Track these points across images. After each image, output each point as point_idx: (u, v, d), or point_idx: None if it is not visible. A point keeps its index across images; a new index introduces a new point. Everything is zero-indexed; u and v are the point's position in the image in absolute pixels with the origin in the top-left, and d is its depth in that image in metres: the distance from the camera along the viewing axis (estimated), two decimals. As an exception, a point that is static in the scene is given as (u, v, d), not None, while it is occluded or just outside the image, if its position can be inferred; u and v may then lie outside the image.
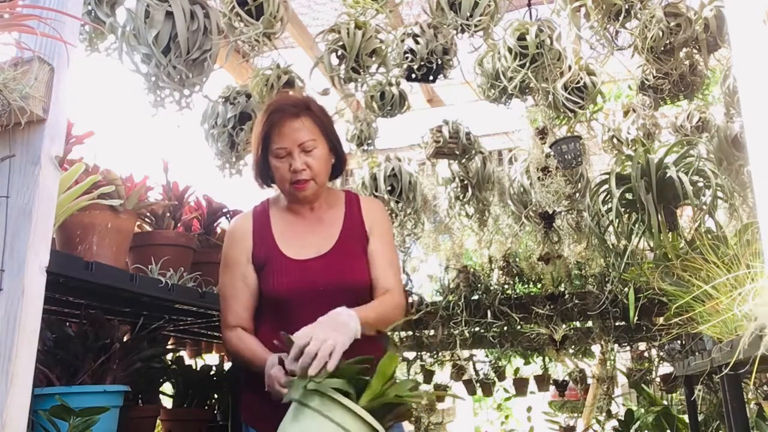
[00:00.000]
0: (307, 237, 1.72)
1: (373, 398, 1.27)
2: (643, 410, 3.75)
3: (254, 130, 1.75)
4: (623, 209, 2.43)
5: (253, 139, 1.75)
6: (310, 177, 1.67)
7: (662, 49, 2.62)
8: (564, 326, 3.66)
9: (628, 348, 4.01)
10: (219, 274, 1.74)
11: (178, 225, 2.28)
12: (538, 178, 3.37)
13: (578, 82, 2.83)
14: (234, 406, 2.14)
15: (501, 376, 4.68)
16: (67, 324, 1.94)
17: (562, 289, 3.70)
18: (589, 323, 3.80)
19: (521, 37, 2.61)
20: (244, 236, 1.72)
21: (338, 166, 1.79)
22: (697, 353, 2.30)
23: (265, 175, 1.76)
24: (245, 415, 1.69)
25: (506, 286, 3.92)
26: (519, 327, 3.79)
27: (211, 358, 3.14)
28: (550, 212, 3.46)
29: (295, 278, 1.65)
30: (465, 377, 4.63)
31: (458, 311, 3.76)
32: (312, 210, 1.76)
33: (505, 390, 5.20)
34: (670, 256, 2.02)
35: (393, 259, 1.77)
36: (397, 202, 3.36)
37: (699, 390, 3.03)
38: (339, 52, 2.60)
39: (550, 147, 3.25)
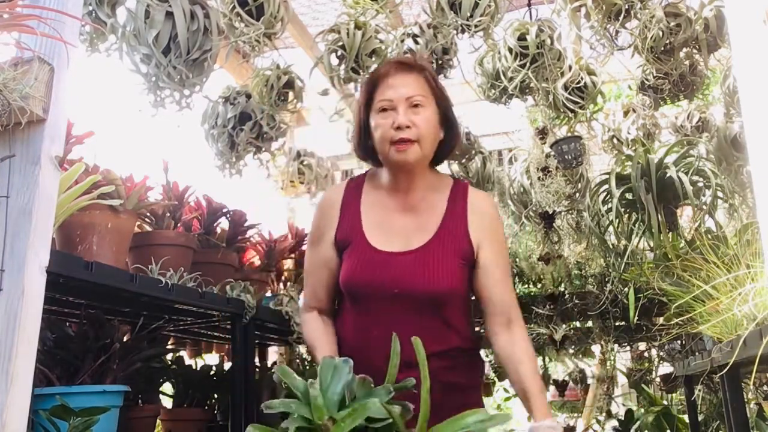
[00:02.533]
0: (398, 225, 1.53)
1: None
2: (643, 410, 3.75)
3: (359, 91, 1.61)
4: (623, 209, 2.43)
5: (357, 100, 1.58)
6: (415, 137, 1.46)
7: (662, 49, 2.62)
8: (564, 326, 3.66)
9: (628, 348, 4.01)
10: (306, 250, 1.65)
11: (178, 225, 2.28)
12: (538, 178, 3.36)
13: (578, 82, 2.83)
14: (234, 406, 2.14)
15: (501, 376, 4.68)
16: (67, 324, 1.94)
17: (562, 289, 3.71)
18: (589, 323, 3.80)
19: (521, 37, 2.61)
20: (332, 208, 1.58)
21: (448, 144, 1.57)
22: (697, 353, 2.30)
23: (365, 142, 1.56)
24: None
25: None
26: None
27: (211, 358, 3.14)
28: (550, 212, 3.46)
29: (373, 272, 1.48)
30: (465, 377, 4.63)
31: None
32: (410, 191, 1.55)
33: (505, 390, 5.20)
34: (670, 256, 2.03)
35: (509, 274, 1.57)
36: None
37: (699, 390, 3.03)
38: (339, 53, 2.59)
39: (551, 147, 3.25)
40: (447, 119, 1.55)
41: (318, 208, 1.64)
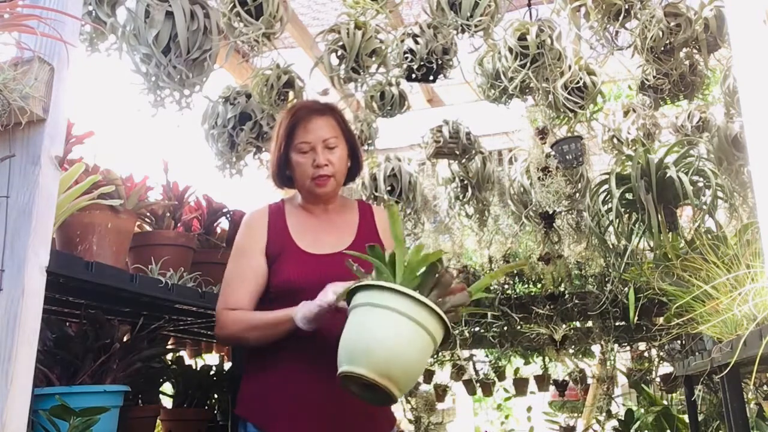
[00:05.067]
0: (323, 235, 1.75)
1: (404, 272, 1.32)
2: (643, 410, 3.75)
3: (276, 128, 1.79)
4: (623, 209, 2.43)
5: (275, 136, 1.78)
6: (332, 173, 1.72)
7: (662, 49, 2.62)
8: (564, 326, 3.67)
9: (628, 348, 4.01)
10: (228, 263, 1.74)
11: (178, 225, 2.28)
12: (538, 178, 3.37)
13: (578, 82, 2.83)
14: (233, 405, 2.14)
15: (501, 376, 4.69)
16: (67, 324, 1.94)
17: (562, 289, 3.71)
18: (589, 323, 3.80)
19: (522, 37, 2.61)
20: (260, 227, 1.74)
21: (354, 169, 1.84)
22: (697, 353, 2.30)
23: (283, 173, 1.78)
24: (242, 409, 1.67)
25: (506, 286, 3.92)
26: (519, 327, 3.79)
27: (211, 358, 3.14)
28: (550, 212, 3.46)
29: (310, 270, 1.65)
30: (465, 377, 4.63)
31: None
32: (326, 211, 1.80)
33: (505, 390, 5.21)
34: (670, 256, 2.03)
35: None
36: (397, 202, 3.36)
37: (699, 390, 3.03)
38: (339, 53, 2.60)
39: (551, 147, 3.25)
40: (354, 152, 1.82)
41: (245, 227, 1.77)
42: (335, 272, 1.61)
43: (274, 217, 1.77)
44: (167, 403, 2.51)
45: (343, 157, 1.76)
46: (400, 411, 4.41)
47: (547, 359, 4.42)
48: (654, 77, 2.99)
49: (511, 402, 6.62)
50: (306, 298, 1.58)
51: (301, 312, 1.50)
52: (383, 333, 1.26)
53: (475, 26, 2.36)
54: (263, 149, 2.77)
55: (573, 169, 3.28)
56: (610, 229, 2.52)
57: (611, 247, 2.63)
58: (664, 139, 3.60)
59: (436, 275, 1.34)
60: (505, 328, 3.84)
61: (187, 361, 2.91)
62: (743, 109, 1.16)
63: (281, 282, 1.66)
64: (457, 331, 3.77)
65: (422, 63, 2.72)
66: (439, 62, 2.76)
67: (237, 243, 1.75)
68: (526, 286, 4.01)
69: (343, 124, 1.79)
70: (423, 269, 1.33)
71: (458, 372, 4.56)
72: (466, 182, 3.74)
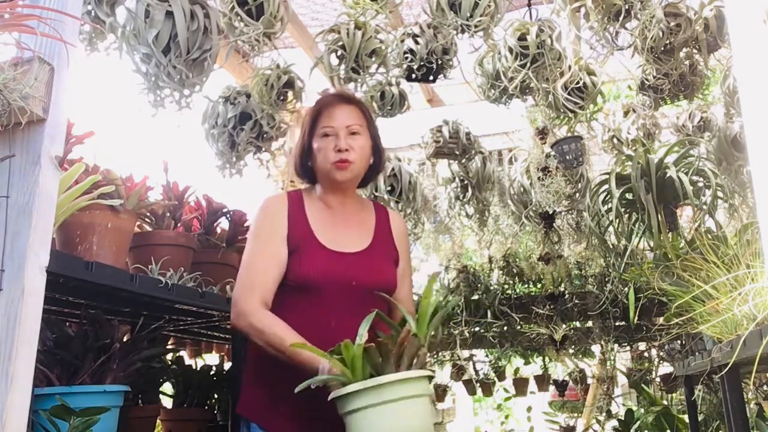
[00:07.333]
0: (342, 231, 1.73)
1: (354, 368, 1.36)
2: (643, 410, 3.75)
3: (304, 119, 1.79)
4: (623, 209, 2.43)
5: (302, 126, 1.78)
6: (353, 159, 1.70)
7: (662, 49, 2.62)
8: (564, 326, 3.66)
9: (628, 348, 4.01)
10: (246, 245, 1.71)
11: (178, 225, 2.28)
12: (538, 178, 3.36)
13: (578, 82, 2.83)
14: (234, 405, 2.15)
15: (501, 376, 4.68)
16: (67, 324, 1.94)
17: (562, 289, 3.71)
18: (589, 323, 3.80)
19: (522, 37, 2.61)
20: (280, 213, 1.71)
21: (375, 168, 1.83)
22: (697, 353, 2.30)
23: (305, 163, 1.77)
24: (246, 410, 1.66)
25: (506, 286, 3.92)
26: (519, 327, 3.79)
27: (211, 358, 3.14)
28: (550, 212, 3.46)
29: (330, 268, 1.65)
30: (465, 377, 4.63)
31: (458, 311, 3.76)
32: (344, 205, 1.78)
33: (505, 390, 5.20)
34: (670, 256, 2.03)
35: (411, 283, 1.90)
36: (397, 202, 3.35)
37: (699, 390, 3.03)
38: (339, 53, 2.59)
39: (551, 147, 3.25)
40: (377, 147, 1.80)
41: (264, 211, 1.74)
42: (354, 272, 1.65)
43: (294, 205, 1.74)
44: (167, 403, 2.52)
45: (366, 147, 1.74)
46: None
47: (547, 359, 4.42)
48: (654, 77, 2.99)
49: (511, 402, 6.61)
50: (323, 295, 1.60)
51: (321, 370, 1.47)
52: (389, 426, 1.32)
53: (475, 26, 2.36)
54: (263, 149, 2.77)
55: (573, 169, 3.28)
56: (610, 229, 2.52)
57: (611, 247, 2.62)
58: (664, 139, 3.59)
59: (386, 350, 1.36)
60: (505, 328, 3.83)
61: (187, 361, 2.91)
62: (743, 109, 1.16)
63: (300, 276, 1.64)
64: (457, 331, 3.77)
65: (422, 63, 2.72)
66: (439, 62, 2.76)
67: (258, 227, 1.72)
68: (526, 286, 4.01)
69: (368, 116, 1.79)
70: (378, 357, 1.36)
71: (458, 372, 4.55)
72: (466, 182, 3.74)
